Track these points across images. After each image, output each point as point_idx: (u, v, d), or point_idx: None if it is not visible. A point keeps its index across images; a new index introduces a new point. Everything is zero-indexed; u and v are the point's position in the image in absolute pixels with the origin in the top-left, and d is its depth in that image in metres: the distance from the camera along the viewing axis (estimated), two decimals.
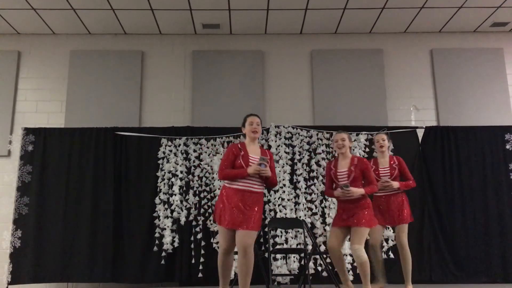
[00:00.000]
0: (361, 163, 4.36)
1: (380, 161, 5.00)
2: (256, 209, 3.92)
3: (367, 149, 6.27)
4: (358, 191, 4.25)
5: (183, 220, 5.93)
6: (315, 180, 6.11)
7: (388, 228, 5.91)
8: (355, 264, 5.81)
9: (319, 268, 5.80)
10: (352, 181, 4.30)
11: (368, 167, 4.37)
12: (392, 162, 4.94)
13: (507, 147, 6.34)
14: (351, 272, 5.77)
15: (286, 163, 6.13)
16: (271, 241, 5.76)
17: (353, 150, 6.21)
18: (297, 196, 6.06)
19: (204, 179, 6.10)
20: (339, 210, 4.41)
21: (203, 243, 5.86)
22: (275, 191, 6.03)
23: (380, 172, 4.94)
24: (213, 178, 6.09)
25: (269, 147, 6.20)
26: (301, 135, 6.29)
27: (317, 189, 6.09)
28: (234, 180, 3.94)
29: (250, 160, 3.97)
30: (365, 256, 4.16)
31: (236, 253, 4.04)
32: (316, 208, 6.04)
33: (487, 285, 5.73)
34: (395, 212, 4.81)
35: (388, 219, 4.86)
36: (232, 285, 5.17)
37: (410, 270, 4.84)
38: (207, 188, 6.08)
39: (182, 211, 5.97)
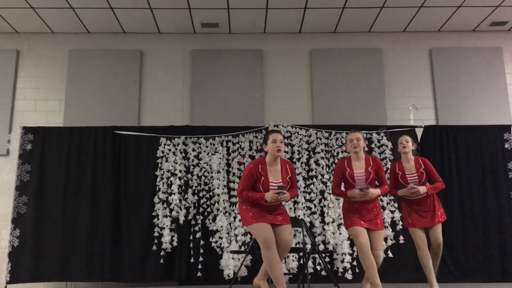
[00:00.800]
0: (375, 163, 4.34)
1: (406, 166, 4.74)
2: (281, 207, 4.07)
3: (366, 148, 6.24)
4: (376, 192, 4.25)
5: (182, 219, 5.92)
6: (314, 180, 6.11)
7: (387, 227, 5.91)
8: (354, 263, 5.83)
9: (318, 267, 5.81)
10: (369, 183, 4.29)
11: (381, 167, 4.36)
12: (418, 166, 4.72)
13: (506, 146, 6.34)
14: (350, 271, 5.78)
15: None
16: None
17: None
18: (296, 195, 6.05)
19: (203, 178, 6.10)
20: (354, 210, 4.30)
21: (202, 242, 5.86)
22: None
23: (408, 178, 4.71)
24: (212, 177, 6.08)
25: None
26: (300, 134, 6.30)
27: (316, 188, 6.09)
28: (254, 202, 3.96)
29: (270, 187, 3.94)
30: None
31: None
32: (315, 207, 6.04)
33: (486, 284, 5.73)
34: (428, 213, 4.66)
35: (422, 221, 4.66)
36: (231, 284, 5.17)
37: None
38: (206, 187, 6.08)
39: (181, 210, 5.97)
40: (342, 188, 4.45)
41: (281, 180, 3.99)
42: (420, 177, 4.70)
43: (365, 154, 4.40)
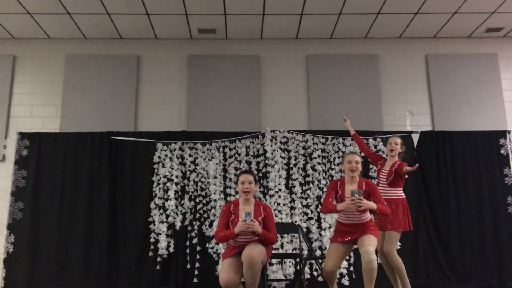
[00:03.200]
0: (368, 187, 4.13)
1: (386, 164, 4.89)
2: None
3: (362, 154, 6.26)
4: (370, 204, 3.94)
5: (178, 225, 5.91)
6: (311, 185, 6.11)
7: None
8: (351, 269, 5.82)
9: (315, 273, 5.80)
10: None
11: (375, 190, 4.15)
12: (393, 165, 4.76)
13: (502, 151, 6.36)
14: (346, 277, 5.77)
15: (282, 168, 6.13)
16: None
17: None
18: (293, 200, 6.06)
19: (199, 183, 6.09)
20: (341, 228, 4.18)
21: (198, 248, 5.85)
22: (271, 196, 6.02)
23: (381, 173, 4.87)
24: (208, 183, 6.08)
25: (265, 151, 6.20)
26: (297, 140, 6.30)
27: (313, 194, 6.08)
28: (229, 240, 3.98)
29: None
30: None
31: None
32: (311, 213, 6.03)
33: None
34: (387, 218, 4.57)
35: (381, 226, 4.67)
36: None
37: (404, 276, 4.55)
38: (203, 193, 6.07)
39: (178, 216, 5.95)
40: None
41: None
42: (389, 175, 4.75)
43: (359, 177, 4.22)
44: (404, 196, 4.79)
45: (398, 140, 4.90)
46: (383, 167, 4.93)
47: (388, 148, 4.89)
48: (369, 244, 3.92)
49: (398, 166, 4.75)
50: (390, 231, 4.61)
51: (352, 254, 5.86)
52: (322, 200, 6.04)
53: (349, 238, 4.11)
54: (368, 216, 4.15)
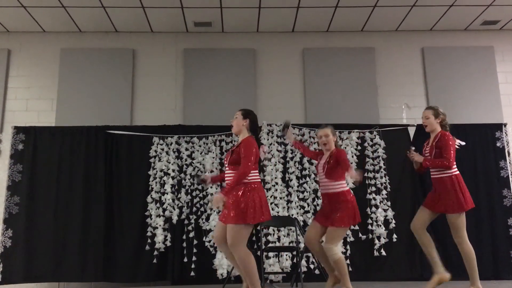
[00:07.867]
0: (336, 155, 4.22)
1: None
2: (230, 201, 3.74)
3: (359, 147, 6.27)
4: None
5: (175, 219, 5.91)
6: (307, 178, 6.12)
7: (380, 225, 5.92)
8: (347, 262, 5.84)
9: (312, 266, 5.81)
10: (326, 173, 4.20)
11: (340, 156, 4.19)
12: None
13: (498, 144, 6.38)
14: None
15: (278, 161, 6.14)
16: (264, 239, 5.76)
17: (345, 147, 6.22)
18: (290, 194, 6.06)
19: (196, 177, 6.09)
20: (322, 204, 4.38)
21: (195, 242, 5.85)
22: (268, 189, 6.03)
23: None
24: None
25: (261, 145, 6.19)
26: (293, 133, 6.29)
27: (309, 187, 6.09)
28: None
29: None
30: (338, 254, 4.09)
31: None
32: (308, 206, 6.04)
33: None
34: (444, 197, 4.41)
35: (437, 206, 4.45)
36: (225, 283, 5.18)
37: (473, 268, 4.45)
38: (199, 187, 6.06)
39: (174, 209, 5.95)
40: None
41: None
42: (431, 150, 4.67)
43: (336, 148, 4.31)
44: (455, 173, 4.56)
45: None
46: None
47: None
48: (328, 240, 4.11)
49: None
50: (449, 215, 4.38)
51: (348, 246, 5.89)
52: (318, 194, 6.06)
53: (326, 222, 4.22)
54: (339, 187, 4.18)
